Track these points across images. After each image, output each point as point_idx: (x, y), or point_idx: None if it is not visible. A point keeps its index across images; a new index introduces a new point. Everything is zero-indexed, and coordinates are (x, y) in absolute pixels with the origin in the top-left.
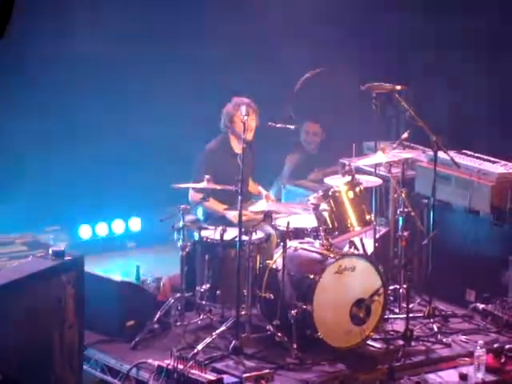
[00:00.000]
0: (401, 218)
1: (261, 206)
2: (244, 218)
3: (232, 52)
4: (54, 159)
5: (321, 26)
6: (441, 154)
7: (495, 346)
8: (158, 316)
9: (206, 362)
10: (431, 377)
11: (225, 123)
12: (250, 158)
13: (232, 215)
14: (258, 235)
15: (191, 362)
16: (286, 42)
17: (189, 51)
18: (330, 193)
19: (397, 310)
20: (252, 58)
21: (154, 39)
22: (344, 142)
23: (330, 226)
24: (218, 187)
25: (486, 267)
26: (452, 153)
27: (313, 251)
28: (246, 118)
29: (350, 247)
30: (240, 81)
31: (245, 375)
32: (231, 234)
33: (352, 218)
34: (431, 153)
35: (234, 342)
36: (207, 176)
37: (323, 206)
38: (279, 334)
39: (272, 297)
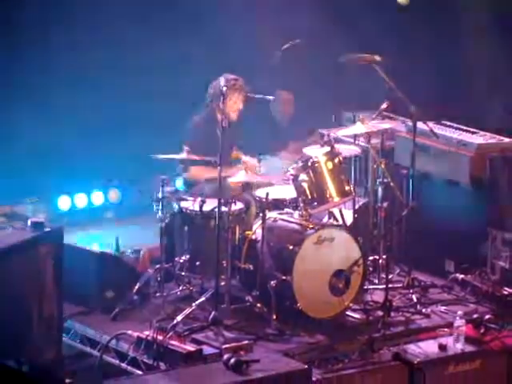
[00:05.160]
0: (380, 189)
1: (240, 176)
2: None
3: (215, 25)
4: (32, 131)
5: None
6: (420, 125)
7: (474, 316)
8: (137, 287)
9: (186, 333)
10: (411, 347)
11: (211, 98)
12: (235, 131)
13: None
14: (237, 206)
15: (170, 333)
16: (263, 14)
17: (172, 24)
18: (309, 163)
19: (376, 281)
20: (231, 31)
21: (141, 15)
22: (318, 114)
23: (310, 197)
24: (197, 158)
25: (465, 238)
26: (431, 123)
27: (292, 222)
28: (224, 88)
29: (329, 218)
30: (223, 55)
31: (224, 346)
32: (210, 204)
33: (331, 188)
34: (410, 123)
35: (213, 312)
36: (186, 147)
37: (302, 176)
38: (258, 305)
39: (251, 268)
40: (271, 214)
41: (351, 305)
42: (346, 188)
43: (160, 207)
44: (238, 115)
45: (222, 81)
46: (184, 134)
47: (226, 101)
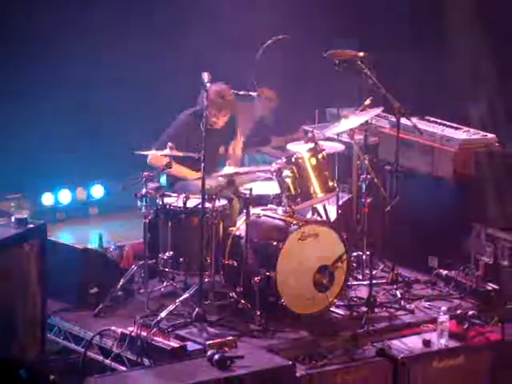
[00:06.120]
0: (364, 185)
1: (225, 171)
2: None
3: (195, 21)
4: (15, 126)
5: None
6: (404, 121)
7: (458, 312)
8: (121, 283)
9: (170, 330)
10: (395, 343)
11: (200, 106)
12: (222, 132)
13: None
14: (221, 202)
15: (154, 330)
16: (246, 9)
17: (159, 24)
18: (293, 159)
19: (360, 277)
20: (211, 26)
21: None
22: (302, 109)
23: (293, 193)
24: (181, 154)
25: (449, 233)
26: (415, 119)
27: (276, 218)
28: (208, 85)
29: (313, 214)
30: (202, 50)
31: (208, 342)
32: (194, 201)
33: (315, 184)
34: (394, 119)
35: (197, 309)
36: (170, 144)
37: (286, 172)
38: (242, 301)
39: (235, 264)
40: (255, 210)
41: (335, 301)
42: (330, 184)
43: (143, 203)
44: (224, 123)
45: (204, 77)
46: (169, 130)
47: (215, 112)
